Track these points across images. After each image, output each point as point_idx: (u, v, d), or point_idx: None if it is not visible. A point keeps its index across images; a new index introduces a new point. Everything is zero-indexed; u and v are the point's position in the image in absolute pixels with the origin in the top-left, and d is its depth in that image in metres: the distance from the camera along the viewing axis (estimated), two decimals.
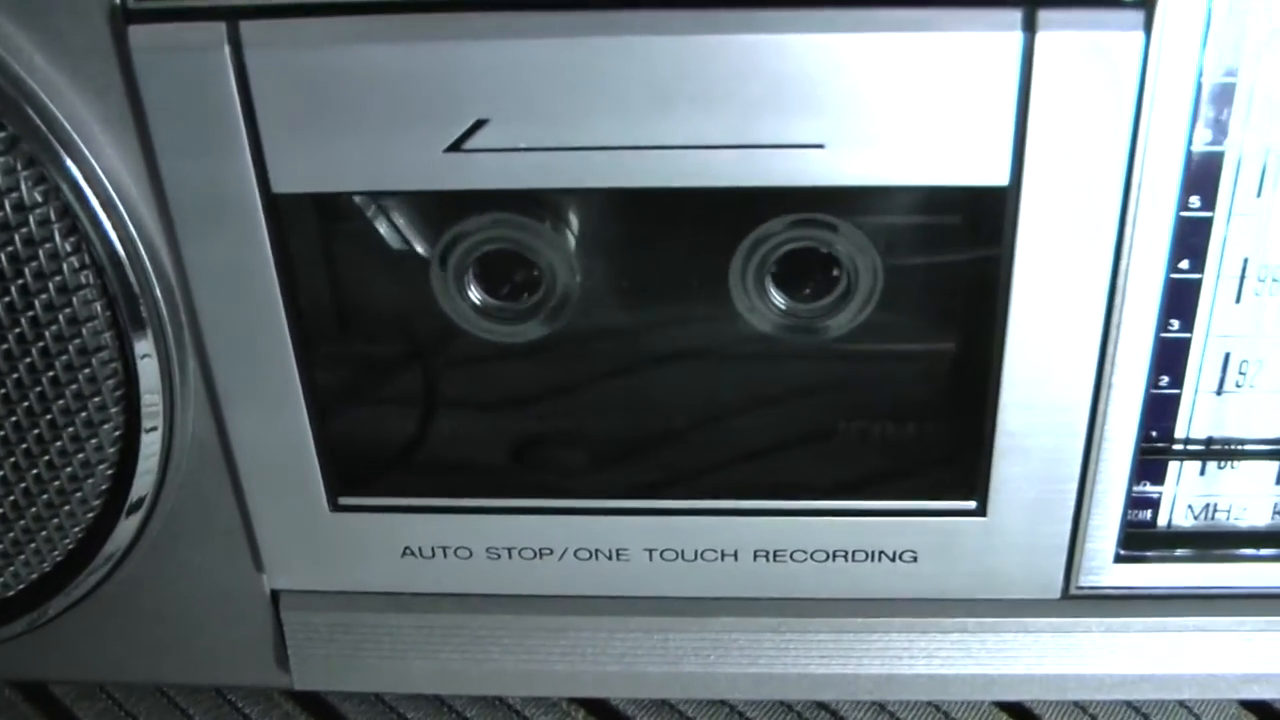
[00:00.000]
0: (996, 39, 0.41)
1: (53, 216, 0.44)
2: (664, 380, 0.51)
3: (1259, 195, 0.45)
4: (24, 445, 0.48)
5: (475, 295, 0.49)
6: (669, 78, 0.42)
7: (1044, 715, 0.61)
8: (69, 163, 0.44)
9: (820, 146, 0.43)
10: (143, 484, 0.50)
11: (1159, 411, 0.49)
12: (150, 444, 0.49)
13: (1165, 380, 0.49)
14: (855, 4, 0.41)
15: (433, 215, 0.48)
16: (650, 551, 0.53)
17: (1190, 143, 0.43)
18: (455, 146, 0.43)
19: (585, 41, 0.42)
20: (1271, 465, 0.51)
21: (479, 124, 0.43)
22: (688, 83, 0.42)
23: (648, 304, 0.50)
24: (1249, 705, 0.61)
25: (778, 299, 0.49)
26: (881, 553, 0.52)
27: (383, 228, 0.48)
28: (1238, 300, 0.47)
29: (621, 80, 0.42)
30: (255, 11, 0.42)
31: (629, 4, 0.41)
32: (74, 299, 0.45)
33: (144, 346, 0.47)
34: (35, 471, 0.49)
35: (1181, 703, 0.61)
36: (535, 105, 0.42)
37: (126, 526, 0.52)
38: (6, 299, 0.45)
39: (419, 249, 0.49)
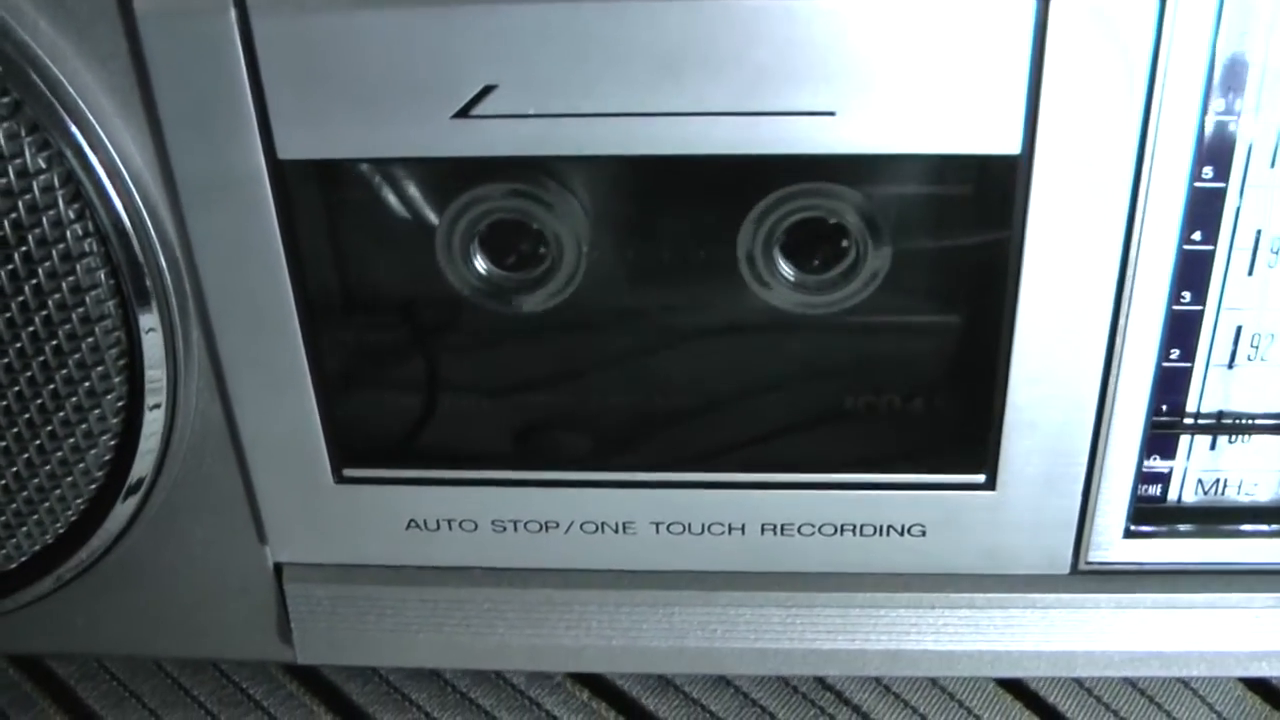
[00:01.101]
0: (1009, 5, 0.41)
1: (56, 183, 0.44)
2: (672, 353, 0.51)
3: (1273, 166, 0.45)
4: (26, 415, 0.48)
5: (481, 265, 0.49)
6: (677, 43, 0.42)
7: (1045, 694, 0.61)
8: (73, 129, 0.44)
9: (830, 114, 0.42)
10: (144, 464, 0.50)
11: (1169, 385, 0.49)
12: (153, 421, 0.49)
13: (1176, 354, 0.49)
14: None
15: (439, 184, 0.48)
16: (657, 525, 0.53)
17: (1204, 112, 0.43)
18: (463, 113, 0.43)
19: (593, 6, 0.41)
20: None
21: (486, 90, 0.43)
22: (695, 48, 0.42)
23: (655, 275, 0.50)
24: (1252, 685, 0.61)
25: (786, 270, 0.49)
26: (890, 527, 0.52)
27: (389, 196, 0.48)
28: (1250, 273, 0.47)
29: (629, 46, 0.42)
30: None
31: None
32: (77, 266, 0.45)
33: (148, 320, 0.47)
34: (38, 441, 0.49)
35: (1184, 683, 0.61)
36: (543, 71, 0.42)
37: (127, 505, 0.52)
38: (9, 266, 0.45)
39: (425, 218, 0.48)
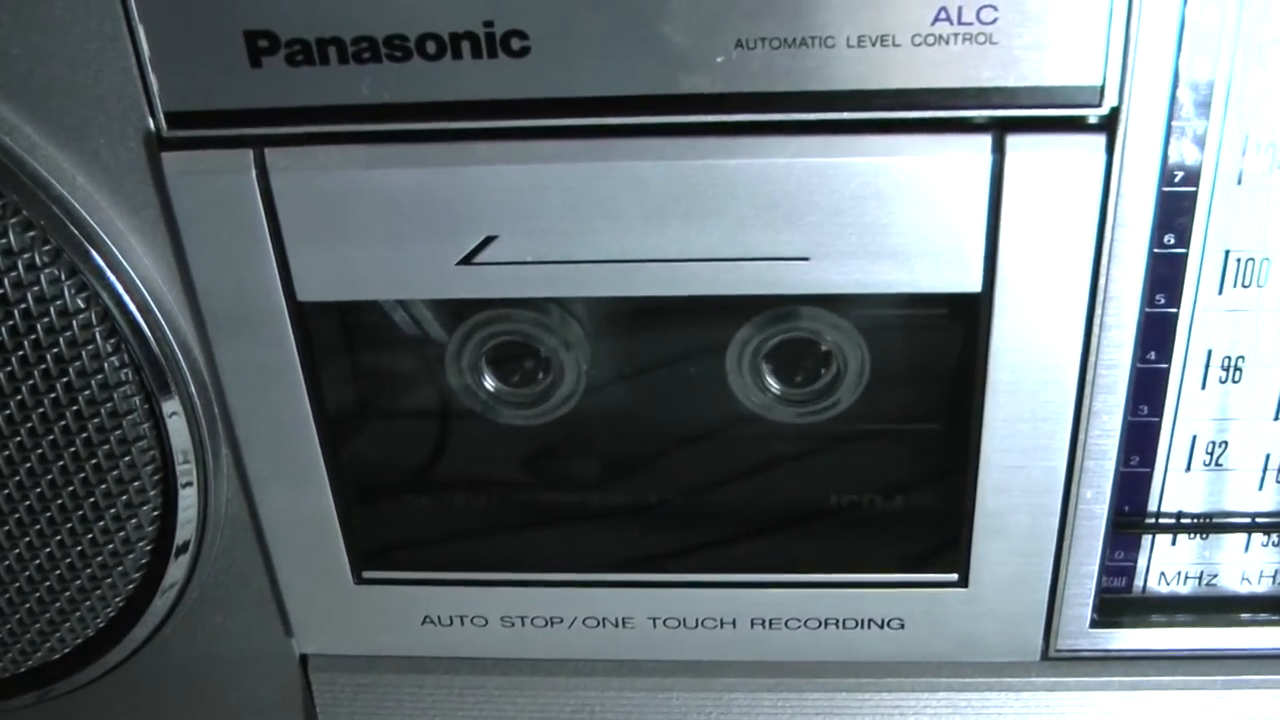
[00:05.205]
0: (968, 161, 0.43)
1: (94, 320, 0.47)
2: (666, 461, 0.54)
3: (1220, 293, 0.47)
4: (69, 525, 0.51)
5: (489, 382, 0.52)
6: (662, 198, 0.44)
7: None
8: (108, 272, 0.47)
9: (805, 259, 0.45)
10: (178, 568, 0.53)
11: (1131, 488, 0.51)
12: (185, 534, 0.52)
13: (1136, 460, 0.51)
14: (834, 131, 0.43)
15: (449, 311, 0.51)
16: (654, 620, 0.55)
17: (1153, 246, 0.46)
18: (467, 260, 0.46)
19: (586, 166, 0.44)
20: (1239, 537, 0.53)
21: (488, 240, 0.46)
22: (679, 202, 0.44)
23: (650, 390, 0.53)
24: None
25: (772, 384, 0.51)
26: (870, 620, 0.54)
27: (401, 322, 0.51)
28: (1203, 387, 0.49)
29: (619, 200, 0.45)
30: (279, 139, 0.45)
31: (626, 132, 0.44)
32: (114, 394, 0.49)
33: (179, 436, 0.50)
34: (79, 548, 0.52)
35: None
36: (541, 223, 0.45)
37: (163, 602, 0.55)
38: (53, 395, 0.48)
39: (436, 339, 0.51)
